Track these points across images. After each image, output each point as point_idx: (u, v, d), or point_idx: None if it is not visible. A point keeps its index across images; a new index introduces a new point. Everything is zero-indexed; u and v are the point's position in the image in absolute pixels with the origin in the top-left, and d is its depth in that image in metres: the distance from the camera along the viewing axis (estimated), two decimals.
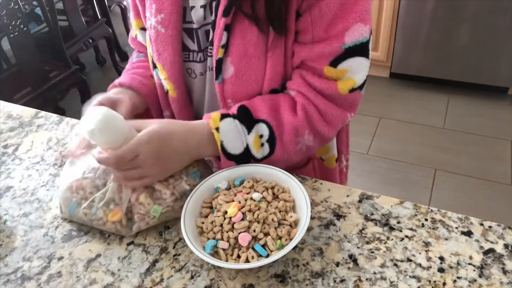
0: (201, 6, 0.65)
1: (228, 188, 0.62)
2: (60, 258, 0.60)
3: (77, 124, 0.86)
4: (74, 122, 0.87)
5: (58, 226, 0.64)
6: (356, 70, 0.62)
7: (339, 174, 0.87)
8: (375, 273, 0.53)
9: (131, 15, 0.79)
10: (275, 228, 0.56)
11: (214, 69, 0.65)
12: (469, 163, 1.93)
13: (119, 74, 1.27)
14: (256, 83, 0.65)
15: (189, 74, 0.71)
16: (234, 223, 0.55)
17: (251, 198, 0.58)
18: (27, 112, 0.92)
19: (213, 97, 0.71)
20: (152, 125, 0.58)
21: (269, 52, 0.62)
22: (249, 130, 0.62)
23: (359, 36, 0.60)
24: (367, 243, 0.57)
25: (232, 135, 0.61)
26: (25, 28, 1.95)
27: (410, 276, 0.53)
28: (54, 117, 0.89)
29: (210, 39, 0.66)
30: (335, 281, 0.53)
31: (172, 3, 0.65)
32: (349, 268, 0.54)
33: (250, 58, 0.63)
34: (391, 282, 0.52)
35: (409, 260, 0.55)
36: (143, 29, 0.77)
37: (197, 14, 0.66)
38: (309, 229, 0.60)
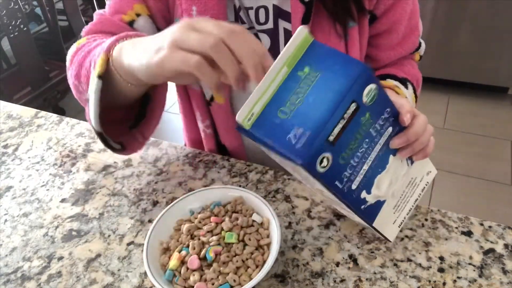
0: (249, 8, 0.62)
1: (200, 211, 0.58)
2: (60, 258, 0.60)
3: (77, 124, 0.86)
4: (74, 122, 0.87)
5: (58, 226, 0.64)
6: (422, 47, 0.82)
7: None
8: (375, 273, 0.53)
9: None
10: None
11: None
12: (469, 163, 1.93)
13: None
14: None
15: None
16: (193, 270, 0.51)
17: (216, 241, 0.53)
18: (27, 112, 0.92)
19: None
20: None
21: (348, 48, 0.63)
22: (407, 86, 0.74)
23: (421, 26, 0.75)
24: (367, 243, 0.57)
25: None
26: (25, 28, 1.96)
27: (410, 276, 0.53)
28: (54, 117, 0.89)
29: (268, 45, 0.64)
30: (335, 281, 0.53)
31: (218, 3, 0.59)
32: (349, 268, 0.54)
33: None
34: (391, 282, 0.52)
35: (409, 260, 0.55)
36: (149, 16, 0.65)
37: (252, 16, 0.62)
38: (309, 229, 0.60)
